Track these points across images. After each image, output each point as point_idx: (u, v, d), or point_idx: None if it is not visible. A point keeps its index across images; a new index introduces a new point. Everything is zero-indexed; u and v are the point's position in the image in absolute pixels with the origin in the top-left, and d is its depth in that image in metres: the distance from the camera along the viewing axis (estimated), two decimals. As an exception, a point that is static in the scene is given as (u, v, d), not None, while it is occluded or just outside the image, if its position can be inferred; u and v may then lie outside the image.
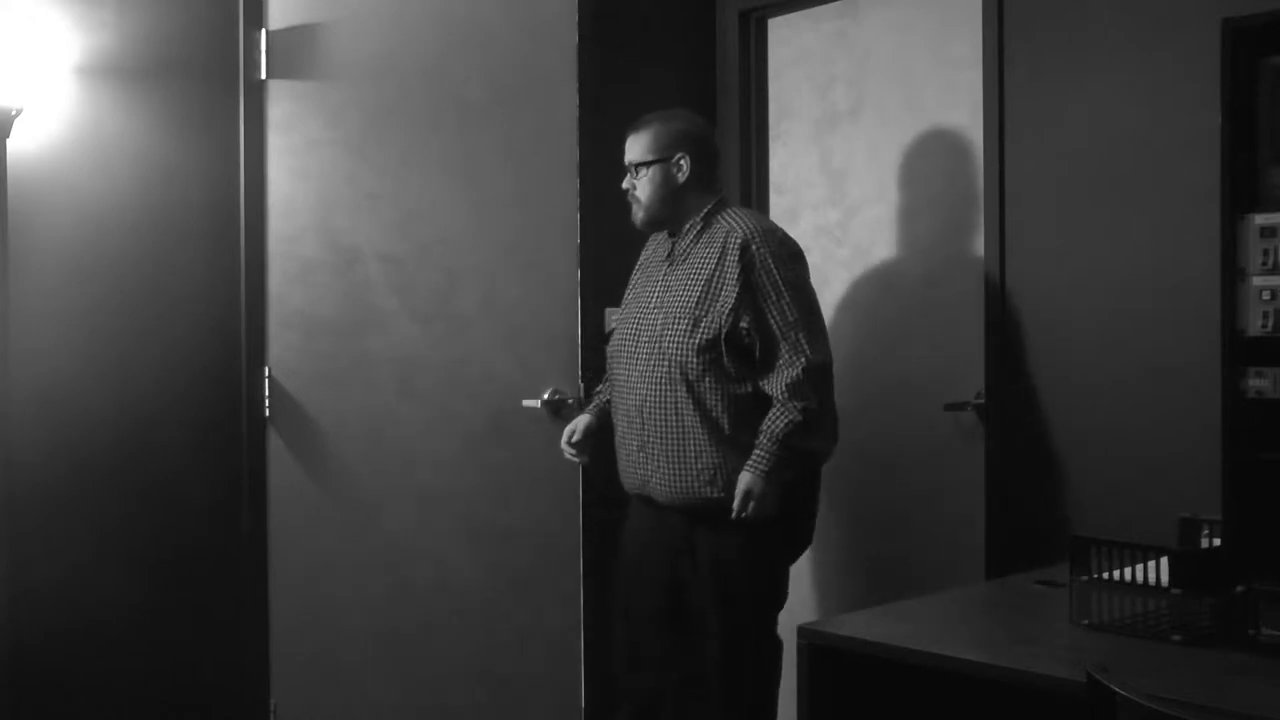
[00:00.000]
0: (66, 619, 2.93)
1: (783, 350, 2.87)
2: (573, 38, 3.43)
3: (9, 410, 2.83)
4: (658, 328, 2.98)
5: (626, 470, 3.07)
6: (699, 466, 2.91)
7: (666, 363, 2.94)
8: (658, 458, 2.97)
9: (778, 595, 3.03)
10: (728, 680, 2.97)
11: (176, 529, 3.07)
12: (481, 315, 3.37)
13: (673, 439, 2.95)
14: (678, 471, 2.94)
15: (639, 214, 3.05)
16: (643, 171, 3.02)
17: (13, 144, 2.81)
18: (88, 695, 2.97)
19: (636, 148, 3.04)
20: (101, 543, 2.98)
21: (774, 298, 2.87)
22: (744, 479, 2.85)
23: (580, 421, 3.16)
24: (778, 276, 2.88)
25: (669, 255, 3.05)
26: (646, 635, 3.08)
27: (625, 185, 3.06)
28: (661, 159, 3.01)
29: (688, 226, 3.02)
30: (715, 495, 2.90)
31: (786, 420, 2.85)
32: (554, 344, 3.44)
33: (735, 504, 2.86)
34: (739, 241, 2.90)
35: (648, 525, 3.07)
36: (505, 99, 3.39)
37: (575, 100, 3.43)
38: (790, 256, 2.93)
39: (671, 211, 3.02)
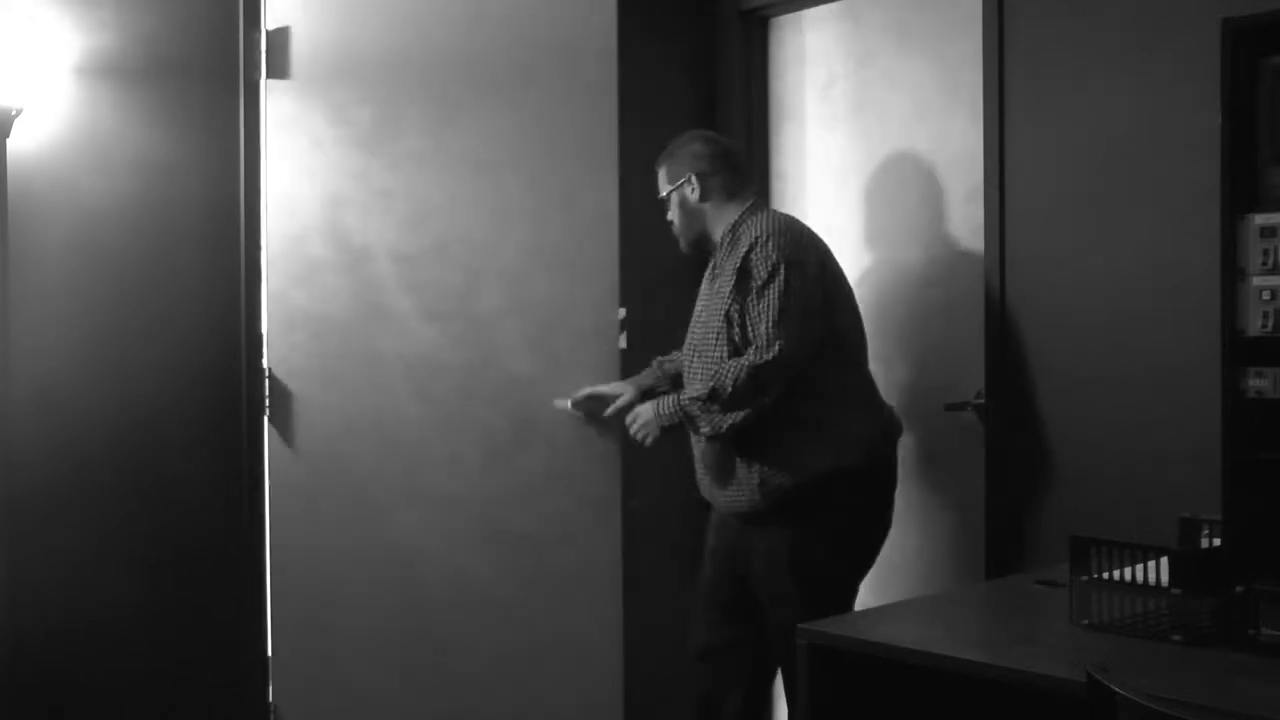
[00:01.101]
0: (66, 619, 2.93)
1: None
2: (612, 16, 3.26)
3: (9, 410, 2.83)
4: (695, 344, 3.12)
5: (699, 481, 3.19)
6: (740, 475, 3.02)
7: (702, 378, 3.04)
8: (706, 469, 3.11)
9: (831, 602, 3.00)
10: (787, 680, 3.05)
11: (176, 529, 3.07)
12: (505, 314, 3.26)
13: (714, 450, 3.06)
14: (722, 480, 3.06)
15: (680, 242, 3.21)
16: (669, 203, 3.19)
17: (13, 144, 2.81)
18: (88, 695, 2.98)
19: (659, 183, 3.21)
20: (101, 543, 2.98)
21: (756, 299, 2.95)
22: (646, 404, 3.11)
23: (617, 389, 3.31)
24: (761, 278, 2.94)
25: (711, 270, 3.16)
26: (716, 630, 3.19)
27: (668, 219, 3.22)
28: (676, 187, 3.15)
29: (719, 239, 3.12)
30: (759, 501, 2.99)
31: (698, 389, 2.99)
32: (590, 342, 3.29)
33: (633, 421, 3.12)
34: (746, 247, 2.99)
35: (716, 526, 3.21)
36: (534, 86, 3.26)
37: (615, 91, 3.25)
38: (785, 261, 2.94)
39: (700, 230, 3.16)
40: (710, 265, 3.16)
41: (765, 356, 2.90)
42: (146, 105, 3.02)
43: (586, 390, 3.27)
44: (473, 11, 3.26)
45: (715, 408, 2.96)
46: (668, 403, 3.06)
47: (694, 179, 3.12)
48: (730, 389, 2.92)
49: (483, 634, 3.28)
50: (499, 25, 3.27)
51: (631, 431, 3.13)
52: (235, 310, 3.13)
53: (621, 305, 3.50)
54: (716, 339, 3.01)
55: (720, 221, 3.12)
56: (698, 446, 3.13)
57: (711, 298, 3.08)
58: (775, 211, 3.17)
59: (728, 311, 2.97)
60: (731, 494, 3.03)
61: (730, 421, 2.95)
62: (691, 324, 3.18)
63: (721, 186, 3.13)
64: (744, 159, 3.47)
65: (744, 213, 3.09)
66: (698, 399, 2.98)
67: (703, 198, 3.12)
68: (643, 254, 3.37)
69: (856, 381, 3.09)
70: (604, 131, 3.28)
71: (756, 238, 2.97)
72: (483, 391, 3.27)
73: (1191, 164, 2.86)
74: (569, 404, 3.27)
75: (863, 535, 3.08)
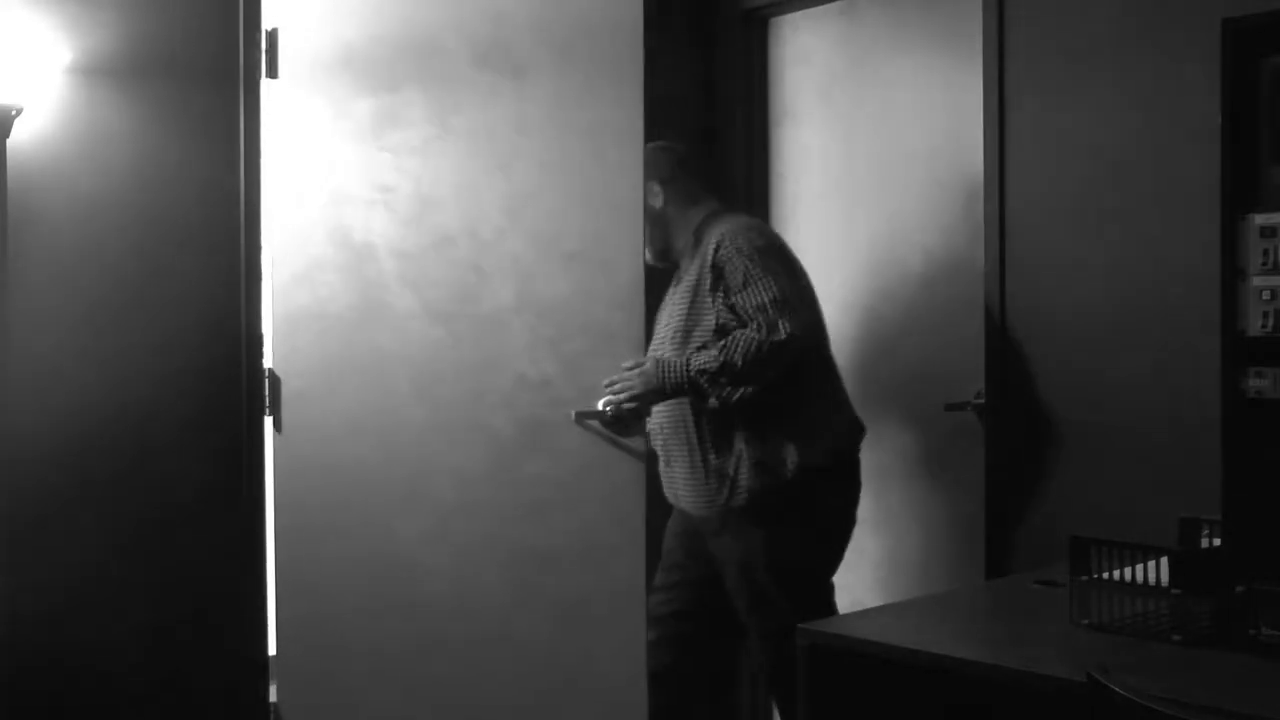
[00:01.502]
0: (64, 619, 2.93)
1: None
2: (637, 14, 3.10)
3: (8, 410, 2.83)
4: (661, 349, 3.09)
5: (664, 484, 3.19)
6: (709, 476, 3.02)
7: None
8: (678, 472, 3.10)
9: (815, 595, 3.02)
10: (778, 684, 3.03)
11: (176, 529, 3.07)
12: (515, 313, 3.14)
13: (685, 453, 3.07)
14: (692, 484, 3.06)
15: (645, 253, 3.13)
16: None
17: (13, 143, 2.81)
18: (86, 695, 2.97)
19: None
20: (100, 542, 2.98)
21: (742, 288, 2.93)
22: (650, 361, 2.97)
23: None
24: (744, 267, 2.93)
25: (675, 278, 3.16)
26: (670, 632, 3.19)
27: None
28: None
29: (682, 246, 3.13)
30: (729, 502, 2.99)
31: (705, 359, 2.93)
32: (611, 343, 3.10)
33: (623, 374, 2.97)
34: (713, 246, 2.99)
35: (683, 534, 3.19)
36: (550, 68, 3.12)
37: (640, 58, 3.06)
38: (759, 250, 2.96)
39: (664, 237, 3.15)
40: (675, 275, 3.16)
41: (775, 336, 2.87)
42: (147, 104, 3.02)
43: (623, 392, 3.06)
44: (464, 4, 3.16)
45: (724, 380, 2.91)
46: (674, 367, 2.97)
47: (656, 186, 3.12)
48: (740, 363, 2.88)
49: (486, 648, 3.19)
50: (513, 4, 3.14)
51: (619, 385, 2.98)
52: (235, 310, 3.13)
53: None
54: (685, 340, 3.01)
55: (684, 228, 3.13)
56: (664, 446, 3.11)
57: (677, 302, 3.07)
58: (736, 214, 3.18)
59: (711, 307, 2.96)
60: (704, 493, 3.02)
61: (739, 394, 2.91)
62: (657, 331, 3.15)
63: (684, 192, 3.14)
64: (703, 165, 3.45)
65: (706, 217, 3.11)
66: (706, 370, 2.92)
67: (665, 203, 3.12)
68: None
69: (828, 379, 3.10)
70: (627, 114, 3.09)
71: (723, 234, 2.99)
72: (490, 395, 3.14)
73: (1191, 164, 2.86)
74: (605, 410, 3.06)
75: (840, 533, 3.10)
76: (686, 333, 3.00)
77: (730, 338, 2.92)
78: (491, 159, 3.14)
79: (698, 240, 3.07)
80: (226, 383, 3.12)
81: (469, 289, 3.15)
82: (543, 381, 3.14)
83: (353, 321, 3.18)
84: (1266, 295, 2.26)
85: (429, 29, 3.15)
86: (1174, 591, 2.13)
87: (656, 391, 2.99)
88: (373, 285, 3.16)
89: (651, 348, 3.12)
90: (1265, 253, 2.26)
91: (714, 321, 2.97)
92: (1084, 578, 2.23)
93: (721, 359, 2.91)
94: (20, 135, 2.83)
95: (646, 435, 3.20)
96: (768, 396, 2.94)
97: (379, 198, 3.17)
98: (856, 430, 3.12)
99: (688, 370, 2.96)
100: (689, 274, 3.04)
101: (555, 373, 3.13)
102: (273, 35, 3.14)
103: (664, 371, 2.99)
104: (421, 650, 3.22)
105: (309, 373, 3.18)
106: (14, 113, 2.78)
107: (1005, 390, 3.24)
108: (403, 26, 3.17)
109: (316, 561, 3.21)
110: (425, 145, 3.16)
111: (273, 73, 3.14)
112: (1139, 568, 2.19)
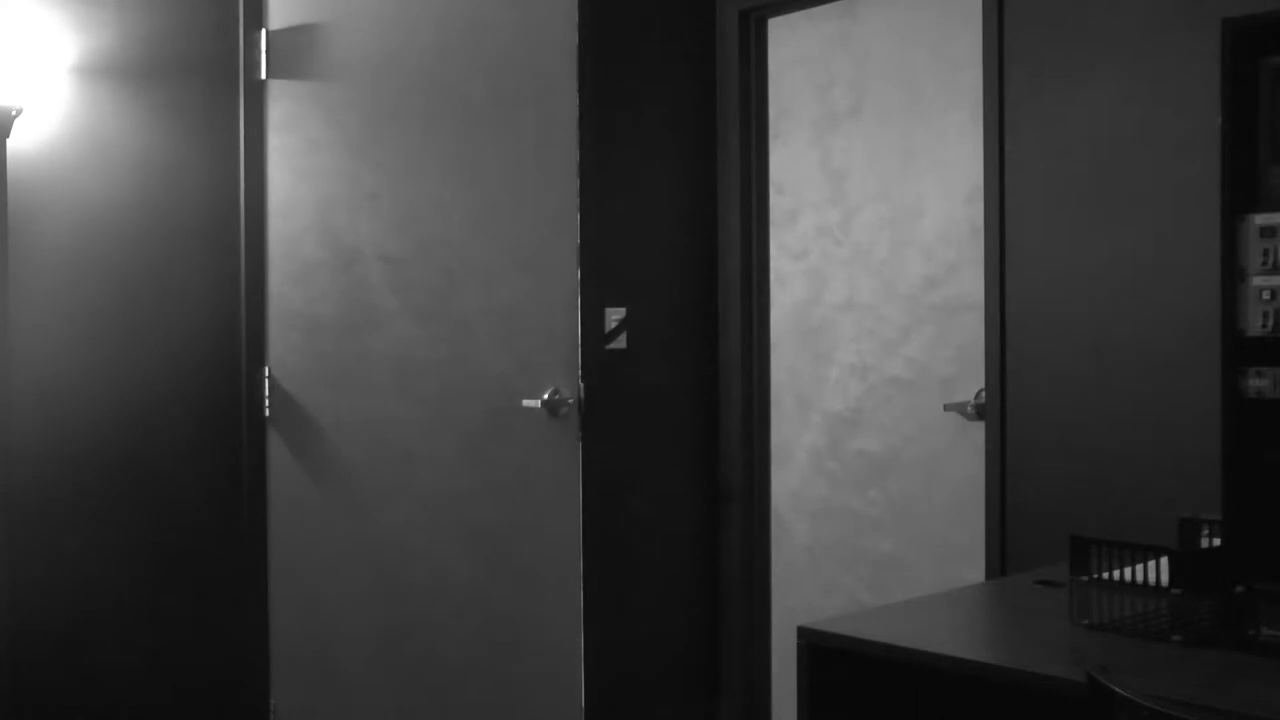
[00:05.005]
0: (66, 619, 2.93)
1: None
2: (573, 38, 3.37)
3: (9, 410, 2.83)
4: None
5: None
6: None
7: None
8: None
9: None
10: None
11: (176, 529, 3.07)
12: (481, 315, 3.35)
13: None
14: None
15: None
16: None
17: (13, 144, 2.81)
18: (87, 695, 2.98)
19: None
20: (101, 543, 2.98)
21: None
22: None
23: None
24: None
25: None
26: None
27: None
28: None
29: None
30: None
31: None
32: (554, 344, 3.38)
33: None
34: None
35: None
36: (506, 99, 3.37)
37: (575, 100, 3.38)
38: None
39: None
40: None
41: None
42: (147, 105, 3.02)
43: None
44: (450, 24, 3.34)
45: None
46: None
47: None
48: None
49: (468, 631, 3.33)
50: (473, 36, 3.35)
51: None
52: (235, 310, 3.14)
53: (621, 305, 3.53)
54: None
55: None
56: None
57: None
58: None
59: None
60: None
61: None
62: None
63: None
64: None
65: None
66: None
67: None
68: (642, 254, 3.37)
69: None
70: (566, 141, 3.31)
71: None
72: (462, 390, 3.35)
73: (1191, 164, 2.86)
74: (538, 403, 3.30)
75: None
76: None
77: None
78: (462, 175, 3.34)
79: None
80: (227, 382, 3.13)
81: (443, 292, 3.35)
82: (501, 377, 3.35)
83: (343, 322, 3.25)
84: (1266, 295, 2.26)
85: (417, 57, 3.33)
86: (1174, 591, 2.13)
87: None
88: (361, 288, 3.28)
89: None
90: (1265, 253, 2.26)
91: None
92: (1084, 578, 2.23)
93: None
94: (20, 135, 2.83)
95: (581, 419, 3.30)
96: None
97: (367, 205, 3.26)
98: None
99: None
100: None
101: (511, 369, 3.36)
102: (279, 36, 3.16)
103: None
104: (409, 639, 3.29)
105: (302, 372, 3.23)
106: (14, 113, 2.78)
107: (1005, 390, 3.24)
108: (392, 46, 3.31)
109: (313, 562, 3.23)
110: (407, 158, 3.32)
111: (274, 73, 3.16)
112: (1139, 568, 2.19)
